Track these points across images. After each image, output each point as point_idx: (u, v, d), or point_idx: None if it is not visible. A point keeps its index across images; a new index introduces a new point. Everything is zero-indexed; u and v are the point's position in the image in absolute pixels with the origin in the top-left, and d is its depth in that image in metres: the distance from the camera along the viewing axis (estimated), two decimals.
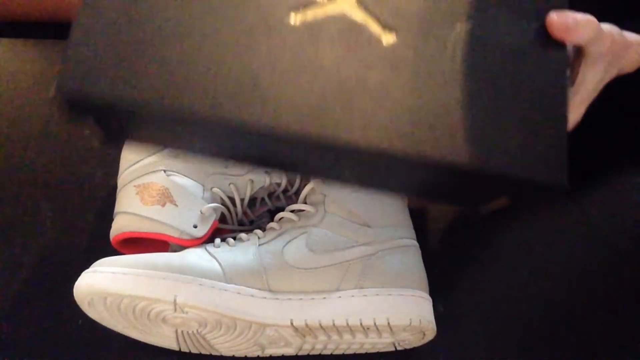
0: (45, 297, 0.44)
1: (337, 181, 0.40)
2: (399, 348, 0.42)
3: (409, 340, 0.41)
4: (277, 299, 0.38)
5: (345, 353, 0.42)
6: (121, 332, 0.41)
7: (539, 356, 0.44)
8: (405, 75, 0.32)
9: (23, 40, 0.34)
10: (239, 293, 0.37)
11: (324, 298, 0.38)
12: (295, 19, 0.32)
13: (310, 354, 0.42)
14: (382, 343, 0.40)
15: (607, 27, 0.37)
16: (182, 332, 0.39)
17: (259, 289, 0.38)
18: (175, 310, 0.37)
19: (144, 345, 0.41)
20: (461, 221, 0.49)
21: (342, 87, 0.31)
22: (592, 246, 0.48)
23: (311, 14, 0.33)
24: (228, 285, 0.38)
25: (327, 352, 0.42)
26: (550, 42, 0.35)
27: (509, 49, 0.34)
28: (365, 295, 0.38)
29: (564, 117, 0.34)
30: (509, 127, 0.33)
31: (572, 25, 0.34)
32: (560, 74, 0.34)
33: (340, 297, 0.38)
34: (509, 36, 0.34)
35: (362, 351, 0.42)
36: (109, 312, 0.38)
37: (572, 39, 0.35)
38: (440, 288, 0.43)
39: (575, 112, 0.38)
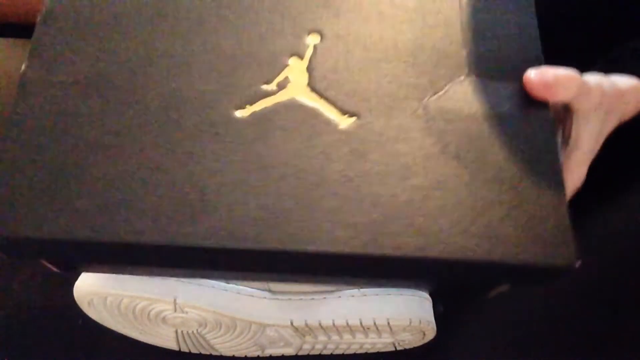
0: (45, 297, 0.44)
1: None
2: (399, 348, 0.42)
3: (409, 340, 0.41)
4: (277, 299, 0.38)
5: (345, 353, 0.42)
6: (121, 332, 0.41)
7: (539, 356, 0.43)
8: (371, 162, 0.29)
9: (23, 40, 0.34)
10: (239, 293, 0.37)
11: (324, 298, 0.38)
12: (243, 112, 0.30)
13: (310, 354, 0.42)
14: (382, 343, 0.40)
15: (594, 78, 0.34)
16: (182, 332, 0.39)
17: (259, 289, 0.38)
18: (175, 310, 0.37)
19: (144, 345, 0.41)
20: None
21: (302, 185, 0.28)
22: (592, 246, 0.48)
23: (260, 104, 0.30)
24: (228, 285, 0.38)
25: (327, 352, 0.42)
26: (531, 104, 0.31)
27: (487, 117, 0.31)
28: (365, 295, 0.38)
29: (561, 187, 0.29)
30: (500, 209, 0.29)
31: (552, 82, 0.31)
32: (548, 139, 0.31)
33: (340, 297, 0.38)
34: (484, 103, 0.31)
35: (362, 351, 0.42)
36: (109, 312, 0.38)
37: (554, 98, 0.32)
38: (440, 288, 0.43)
39: (576, 173, 0.35)
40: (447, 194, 0.29)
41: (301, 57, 0.32)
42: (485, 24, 0.34)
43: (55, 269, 0.35)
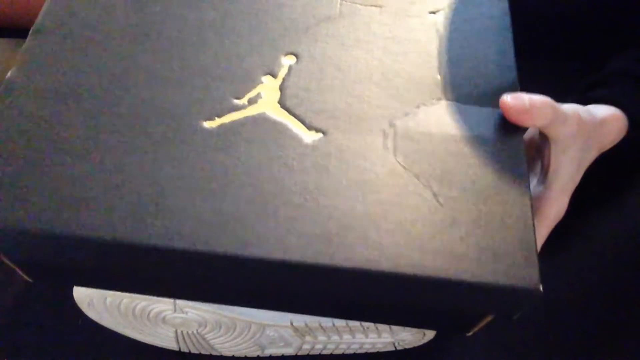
0: (45, 297, 0.44)
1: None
2: (398, 348, 0.41)
3: (409, 340, 0.41)
4: None
5: (345, 353, 0.42)
6: (121, 332, 0.41)
7: (539, 356, 0.43)
8: (333, 176, 0.29)
9: (23, 40, 0.34)
10: None
11: None
12: (211, 124, 0.30)
13: (310, 354, 0.42)
14: (382, 343, 0.40)
15: (570, 107, 0.34)
16: (182, 332, 0.39)
17: None
18: (175, 310, 0.37)
19: (144, 345, 0.41)
20: None
21: (260, 193, 0.28)
22: (592, 246, 0.48)
23: (229, 117, 0.31)
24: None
25: (327, 352, 0.42)
26: (503, 128, 0.31)
27: (457, 139, 0.31)
28: None
29: (527, 210, 0.29)
30: (461, 228, 0.28)
31: (527, 107, 0.31)
32: (517, 163, 0.30)
33: None
34: (456, 125, 0.31)
35: (362, 351, 0.42)
36: (109, 312, 0.38)
37: (528, 122, 0.32)
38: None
39: (557, 203, 0.34)
40: (406, 210, 0.28)
41: (275, 76, 0.33)
42: (462, 50, 0.35)
43: (27, 277, 0.35)
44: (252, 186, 0.29)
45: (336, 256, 0.27)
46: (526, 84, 0.34)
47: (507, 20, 0.36)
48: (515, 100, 0.31)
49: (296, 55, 0.34)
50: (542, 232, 0.35)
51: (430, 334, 0.40)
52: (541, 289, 0.27)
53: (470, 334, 0.36)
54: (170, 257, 0.27)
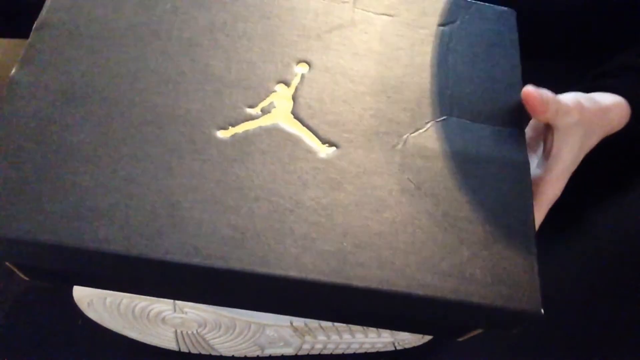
0: (45, 297, 0.44)
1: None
2: (398, 348, 0.41)
3: (409, 340, 0.41)
4: None
5: (344, 353, 0.42)
6: (121, 332, 0.41)
7: (539, 356, 0.43)
8: (347, 192, 0.29)
9: (23, 40, 0.34)
10: None
11: None
12: (225, 133, 0.30)
13: (310, 354, 0.42)
14: (382, 343, 0.40)
15: (572, 96, 0.35)
16: (181, 332, 0.39)
17: None
18: (175, 310, 0.37)
19: (143, 345, 0.41)
20: None
21: (276, 209, 0.28)
22: (592, 245, 0.48)
23: (243, 127, 0.31)
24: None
25: (326, 352, 0.42)
26: (509, 147, 0.32)
27: (464, 157, 0.31)
28: None
29: (530, 232, 0.29)
30: (469, 250, 0.29)
31: (546, 101, 0.33)
32: (521, 182, 0.31)
33: None
34: (463, 143, 0.32)
35: (362, 351, 0.42)
36: (109, 312, 0.38)
37: (542, 116, 0.33)
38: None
39: (556, 185, 0.35)
40: (418, 230, 0.29)
41: (288, 84, 0.33)
42: (470, 66, 0.35)
43: (24, 277, 0.35)
44: (267, 201, 0.28)
45: (352, 275, 0.27)
46: (526, 84, 0.34)
47: (515, 36, 0.36)
48: (538, 93, 0.33)
49: (308, 63, 0.33)
50: (540, 213, 0.35)
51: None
52: (542, 311, 0.28)
53: (462, 339, 0.36)
54: (185, 271, 0.27)
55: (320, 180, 0.29)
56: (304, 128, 0.31)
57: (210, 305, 0.36)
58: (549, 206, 0.35)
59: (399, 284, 0.27)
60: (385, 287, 0.27)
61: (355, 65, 0.34)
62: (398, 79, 0.34)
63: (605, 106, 0.37)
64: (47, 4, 0.33)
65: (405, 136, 0.31)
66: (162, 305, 0.37)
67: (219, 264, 0.27)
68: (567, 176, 0.36)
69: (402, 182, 0.30)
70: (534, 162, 0.36)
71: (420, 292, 0.27)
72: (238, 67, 0.33)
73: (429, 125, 0.32)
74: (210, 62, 0.32)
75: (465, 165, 0.31)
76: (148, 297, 0.36)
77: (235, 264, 0.27)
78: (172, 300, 0.36)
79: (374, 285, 0.27)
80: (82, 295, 0.37)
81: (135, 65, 0.32)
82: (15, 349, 0.42)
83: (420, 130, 0.32)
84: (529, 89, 0.33)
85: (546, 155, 0.36)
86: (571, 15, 0.50)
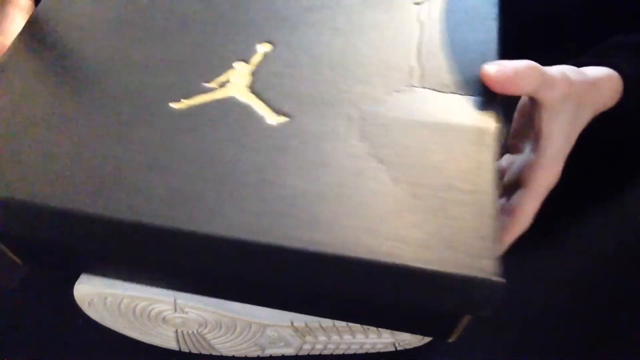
0: (45, 297, 0.44)
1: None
2: (399, 348, 0.41)
3: (409, 340, 0.41)
4: None
5: (345, 353, 0.42)
6: (121, 332, 0.41)
7: (539, 356, 0.43)
8: (291, 157, 0.29)
9: None
10: None
11: None
12: (178, 105, 0.32)
13: (310, 354, 0.42)
14: (382, 343, 0.40)
15: (558, 69, 0.33)
16: (182, 332, 0.39)
17: None
18: (175, 310, 0.37)
19: (144, 345, 0.41)
20: None
21: (216, 172, 0.29)
22: (592, 246, 0.48)
23: (197, 99, 0.32)
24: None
25: (327, 352, 0.42)
26: (478, 116, 0.31)
27: (428, 126, 0.31)
28: None
29: (490, 200, 0.28)
30: (416, 214, 0.27)
31: (511, 75, 0.31)
32: (487, 151, 0.30)
33: None
34: (428, 113, 0.31)
35: (362, 351, 0.42)
36: (109, 312, 0.38)
37: (515, 91, 0.31)
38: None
39: (550, 170, 0.34)
40: (361, 192, 0.28)
41: (249, 62, 0.34)
42: (443, 39, 0.35)
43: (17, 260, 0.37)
44: (209, 164, 0.29)
45: (280, 235, 0.27)
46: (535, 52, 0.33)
47: (494, 11, 0.36)
48: (498, 69, 0.31)
49: (272, 43, 0.34)
50: (535, 200, 0.34)
51: None
52: (502, 281, 0.25)
53: (452, 339, 0.35)
54: (122, 229, 0.28)
55: (265, 146, 0.30)
56: (258, 100, 0.32)
57: (211, 305, 0.36)
58: (546, 192, 0.34)
59: (340, 246, 0.26)
60: (312, 247, 0.26)
61: (319, 44, 0.35)
62: (362, 55, 0.34)
63: (594, 78, 0.35)
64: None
65: (364, 107, 0.31)
66: (162, 305, 0.37)
67: (156, 221, 0.27)
68: (561, 159, 0.34)
69: (351, 148, 0.30)
70: (527, 148, 0.35)
71: (351, 253, 0.26)
72: (202, 47, 0.34)
73: (389, 96, 0.32)
74: (178, 47, 0.35)
75: (426, 133, 0.30)
76: (148, 297, 0.36)
77: (168, 222, 0.27)
78: (172, 300, 0.36)
79: (298, 245, 0.26)
80: (83, 295, 0.37)
81: (109, 52, 0.35)
82: (15, 349, 0.42)
83: (380, 101, 0.32)
84: (484, 69, 0.31)
85: (535, 135, 0.34)
86: (571, 16, 0.50)
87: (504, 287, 0.26)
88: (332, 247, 0.26)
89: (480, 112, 0.31)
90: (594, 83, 0.35)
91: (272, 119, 0.31)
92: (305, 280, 0.29)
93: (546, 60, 0.34)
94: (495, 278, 0.26)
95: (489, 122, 0.31)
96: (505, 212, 0.35)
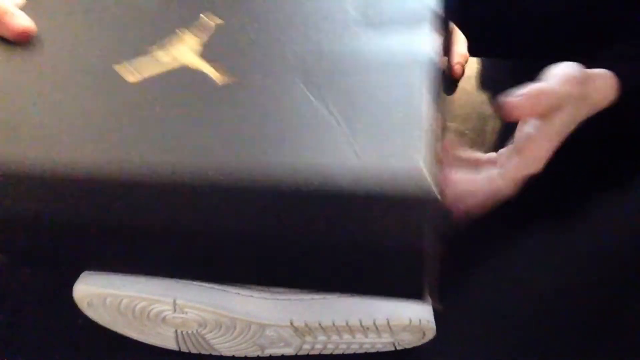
0: (45, 297, 0.44)
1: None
2: (399, 348, 0.41)
3: (409, 340, 0.41)
4: (277, 299, 0.38)
5: (345, 353, 0.42)
6: (121, 332, 0.41)
7: (539, 356, 0.43)
8: (232, 107, 0.31)
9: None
10: (238, 293, 0.37)
11: (324, 298, 0.38)
12: (119, 68, 0.34)
13: (310, 354, 0.42)
14: (382, 343, 0.40)
15: (563, 69, 0.36)
16: (182, 332, 0.39)
17: (259, 290, 0.38)
18: (175, 310, 0.37)
19: (144, 345, 0.41)
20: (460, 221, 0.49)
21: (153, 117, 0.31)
22: (592, 246, 0.48)
23: (148, 71, 0.34)
24: (228, 285, 0.38)
25: (327, 352, 0.42)
26: (419, 55, 0.32)
27: (372, 65, 0.31)
28: (365, 295, 0.38)
29: (424, 125, 0.28)
30: (352, 136, 0.28)
31: (519, 103, 0.34)
32: (425, 76, 0.30)
33: (340, 297, 0.38)
34: (372, 48, 0.32)
35: (362, 351, 0.42)
36: (109, 312, 0.38)
37: (525, 117, 0.35)
38: (440, 288, 0.43)
39: (543, 153, 0.36)
40: (291, 117, 0.30)
41: (195, 31, 0.35)
42: None
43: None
44: (153, 118, 0.31)
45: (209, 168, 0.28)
46: (521, 84, 0.34)
47: None
48: (506, 102, 0.34)
49: (221, 16, 0.36)
50: (546, 137, 0.36)
51: (430, 334, 0.40)
52: (436, 197, 0.25)
53: (433, 305, 0.35)
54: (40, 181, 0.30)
55: (213, 100, 0.31)
56: (207, 65, 0.33)
57: (211, 305, 0.36)
58: (527, 172, 0.36)
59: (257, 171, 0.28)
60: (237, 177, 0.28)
61: (270, 12, 0.36)
62: (309, 15, 0.35)
63: (591, 72, 0.38)
64: None
65: (307, 57, 0.33)
66: (162, 305, 0.37)
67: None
68: (555, 144, 0.36)
69: (291, 93, 0.31)
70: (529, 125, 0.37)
71: (298, 182, 0.27)
72: (155, 24, 0.37)
73: (333, 45, 0.33)
74: (131, 22, 0.37)
75: (369, 66, 0.31)
76: (148, 297, 0.36)
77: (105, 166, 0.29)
78: (172, 300, 0.36)
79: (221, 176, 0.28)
80: (82, 295, 0.37)
81: (74, 33, 0.37)
82: (15, 349, 0.42)
83: (324, 51, 0.33)
84: (498, 102, 0.34)
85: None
86: (570, 16, 0.50)
87: (440, 205, 0.25)
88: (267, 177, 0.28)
89: (423, 44, 0.32)
90: (590, 76, 0.38)
91: (221, 80, 0.32)
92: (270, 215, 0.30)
93: (549, 61, 0.35)
94: (430, 194, 0.25)
95: (429, 53, 0.32)
96: (517, 149, 0.37)
